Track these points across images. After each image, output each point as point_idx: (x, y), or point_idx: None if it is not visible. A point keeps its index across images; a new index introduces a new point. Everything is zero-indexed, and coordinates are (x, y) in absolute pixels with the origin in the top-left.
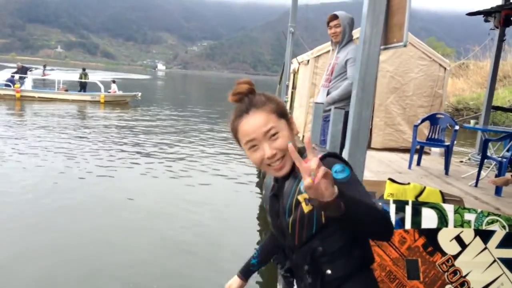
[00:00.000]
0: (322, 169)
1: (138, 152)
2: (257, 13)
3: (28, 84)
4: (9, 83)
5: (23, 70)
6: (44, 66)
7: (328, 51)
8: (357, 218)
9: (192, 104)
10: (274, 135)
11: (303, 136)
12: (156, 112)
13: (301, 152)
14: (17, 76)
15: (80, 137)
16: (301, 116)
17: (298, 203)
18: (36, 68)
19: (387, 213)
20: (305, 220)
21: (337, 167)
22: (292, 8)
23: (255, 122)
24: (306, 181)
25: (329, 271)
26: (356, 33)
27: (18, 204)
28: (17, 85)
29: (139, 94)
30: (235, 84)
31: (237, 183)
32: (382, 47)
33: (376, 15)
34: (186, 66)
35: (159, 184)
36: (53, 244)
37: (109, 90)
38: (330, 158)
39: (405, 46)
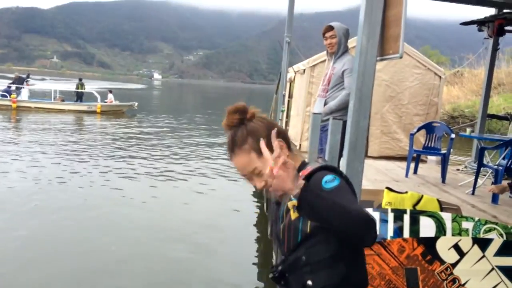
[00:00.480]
0: (282, 158)
1: (135, 161)
2: (253, 22)
3: (24, 94)
4: (6, 94)
5: (19, 81)
6: (27, 76)
7: (324, 61)
8: (325, 216)
9: (189, 113)
10: (258, 171)
11: (300, 145)
12: (152, 121)
13: (303, 164)
14: (13, 87)
15: (77, 147)
16: (298, 125)
17: (288, 210)
18: (42, 79)
19: (368, 218)
20: (290, 226)
21: (327, 177)
22: (288, 17)
23: (239, 164)
24: (267, 170)
25: (309, 282)
26: (351, 42)
27: (16, 215)
28: (14, 95)
29: (136, 103)
30: (226, 113)
31: (237, 189)
32: (378, 58)
33: (372, 27)
34: (182, 75)
35: (156, 191)
36: (46, 255)
37: (106, 100)
38: (324, 171)
39: (401, 57)
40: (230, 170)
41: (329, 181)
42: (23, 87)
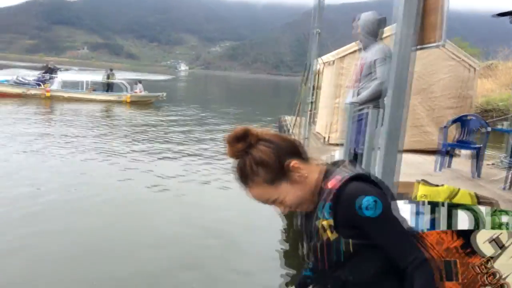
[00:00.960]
0: None
1: (164, 151)
2: (278, 13)
3: (57, 84)
4: (39, 83)
5: (52, 70)
6: (47, 66)
7: (353, 52)
8: None
9: (216, 104)
10: (279, 201)
11: (328, 138)
12: (180, 112)
13: (328, 173)
14: (47, 76)
15: (106, 136)
16: (326, 117)
17: (324, 228)
18: (66, 69)
19: (433, 276)
20: (330, 247)
21: (366, 201)
22: (316, 9)
23: (255, 196)
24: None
25: None
26: (386, 31)
27: (49, 203)
28: (47, 84)
29: (164, 94)
30: (226, 142)
31: None
32: (417, 47)
33: (411, 14)
34: (208, 67)
35: (186, 183)
36: (79, 240)
37: (135, 90)
38: (356, 184)
39: (443, 46)
40: None
41: (370, 208)
42: (56, 77)
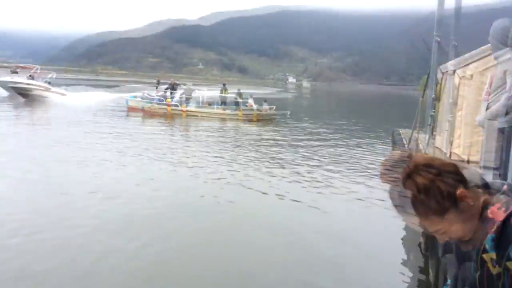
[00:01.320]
0: None
1: (287, 167)
2: (390, 21)
3: (177, 99)
4: (162, 98)
5: (174, 87)
6: (158, 82)
7: (479, 59)
8: None
9: (328, 116)
10: (442, 232)
11: (450, 154)
12: (298, 126)
13: (487, 199)
14: (168, 92)
15: (232, 149)
16: (447, 131)
17: (483, 261)
18: (184, 84)
19: None
20: (492, 281)
21: None
22: (437, 16)
23: (415, 224)
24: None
25: None
26: None
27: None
28: (169, 100)
29: (288, 112)
30: (383, 167)
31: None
32: None
33: None
34: (316, 79)
35: (305, 194)
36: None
37: (246, 104)
38: None
39: None
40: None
41: None
42: (177, 92)
